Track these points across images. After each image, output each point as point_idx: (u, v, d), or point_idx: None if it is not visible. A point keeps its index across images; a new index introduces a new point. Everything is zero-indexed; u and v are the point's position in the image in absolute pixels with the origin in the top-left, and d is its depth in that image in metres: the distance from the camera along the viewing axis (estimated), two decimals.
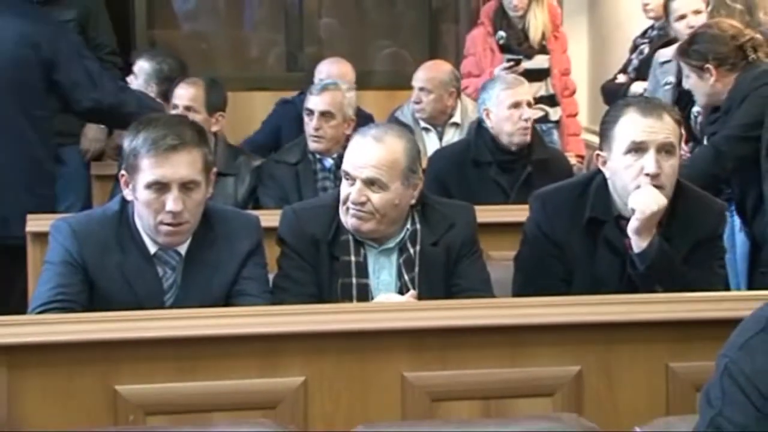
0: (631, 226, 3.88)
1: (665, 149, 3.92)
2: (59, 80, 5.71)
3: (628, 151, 3.94)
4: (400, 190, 3.96)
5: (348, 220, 3.97)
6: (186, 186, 3.73)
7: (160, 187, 3.69)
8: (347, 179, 3.96)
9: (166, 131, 3.77)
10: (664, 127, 3.93)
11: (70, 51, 5.80)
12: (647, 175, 3.88)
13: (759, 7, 5.65)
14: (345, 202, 3.96)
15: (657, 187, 3.88)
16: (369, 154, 3.94)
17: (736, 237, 5.22)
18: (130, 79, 6.52)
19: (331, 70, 6.71)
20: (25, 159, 5.73)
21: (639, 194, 3.87)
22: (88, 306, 3.71)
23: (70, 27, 6.67)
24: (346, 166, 3.98)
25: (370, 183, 3.91)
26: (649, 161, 3.89)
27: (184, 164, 3.73)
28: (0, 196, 5.70)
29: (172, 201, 3.69)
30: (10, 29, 5.62)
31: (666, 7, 6.00)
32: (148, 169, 3.69)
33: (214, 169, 3.98)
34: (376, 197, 3.92)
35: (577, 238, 4.04)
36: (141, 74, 6.33)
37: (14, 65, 5.60)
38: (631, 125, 3.93)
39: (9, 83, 5.58)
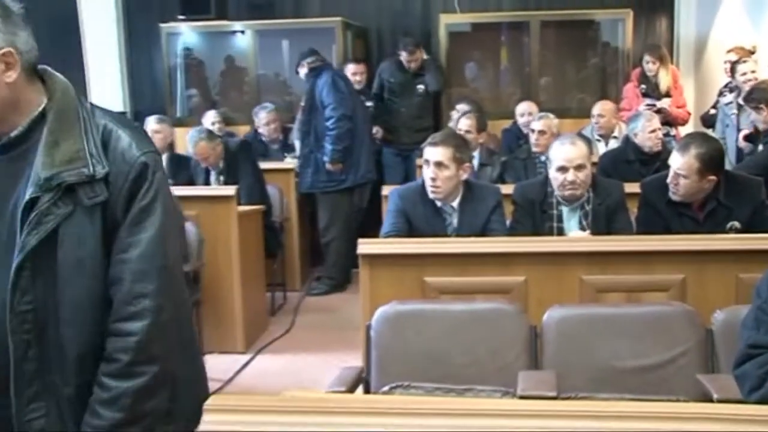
0: None
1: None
2: None
3: None
4: (589, 168, 3.93)
5: (566, 193, 3.90)
6: (438, 165, 3.80)
7: (428, 164, 3.83)
8: (561, 170, 3.87)
9: (437, 138, 3.92)
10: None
11: None
12: None
13: None
14: (563, 183, 3.88)
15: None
16: (575, 152, 3.86)
17: None
18: (452, 113, 6.70)
19: (525, 107, 6.66)
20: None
21: None
22: (408, 234, 3.81)
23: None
24: (562, 162, 3.87)
25: (578, 167, 3.85)
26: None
27: (438, 153, 3.81)
28: (358, 168, 6.34)
29: (430, 172, 3.80)
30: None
31: (733, 69, 5.84)
32: (425, 156, 3.85)
33: (467, 164, 3.93)
34: (582, 174, 3.87)
35: (665, 207, 3.86)
36: (460, 110, 6.39)
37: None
38: None
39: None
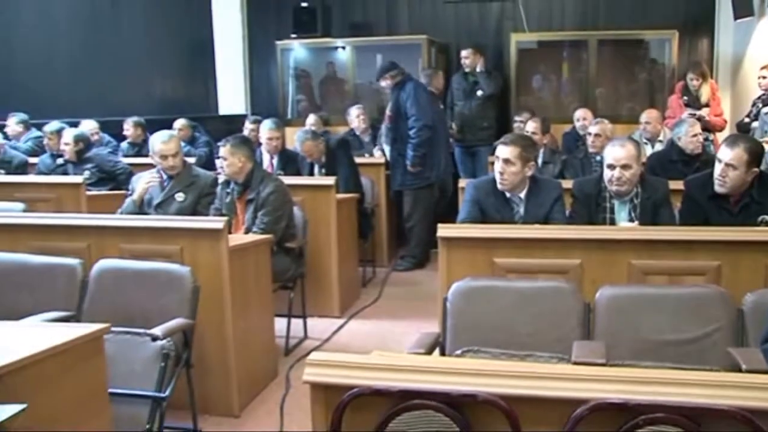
0: None
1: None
2: None
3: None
4: (636, 168, 3.79)
5: (613, 188, 3.80)
6: (506, 162, 3.74)
7: (498, 160, 3.77)
8: (609, 167, 3.78)
9: (508, 138, 3.84)
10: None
11: None
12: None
13: None
14: (611, 179, 3.79)
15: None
16: (622, 153, 3.75)
17: None
18: (519, 119, 6.66)
19: (581, 113, 6.54)
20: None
21: None
22: (481, 221, 3.77)
23: None
24: (610, 160, 3.78)
25: (624, 166, 3.75)
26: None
27: (507, 151, 3.74)
28: (439, 166, 6.35)
29: (499, 167, 3.75)
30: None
31: None
32: (497, 153, 3.79)
33: (532, 162, 3.85)
34: (627, 173, 3.76)
35: (706, 202, 3.73)
36: (521, 118, 6.37)
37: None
38: None
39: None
